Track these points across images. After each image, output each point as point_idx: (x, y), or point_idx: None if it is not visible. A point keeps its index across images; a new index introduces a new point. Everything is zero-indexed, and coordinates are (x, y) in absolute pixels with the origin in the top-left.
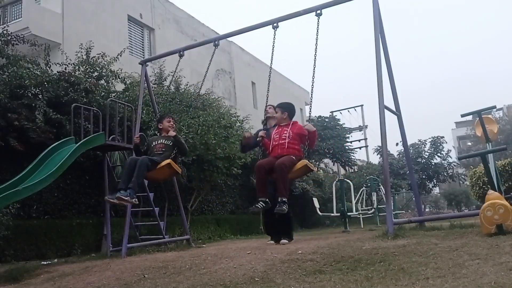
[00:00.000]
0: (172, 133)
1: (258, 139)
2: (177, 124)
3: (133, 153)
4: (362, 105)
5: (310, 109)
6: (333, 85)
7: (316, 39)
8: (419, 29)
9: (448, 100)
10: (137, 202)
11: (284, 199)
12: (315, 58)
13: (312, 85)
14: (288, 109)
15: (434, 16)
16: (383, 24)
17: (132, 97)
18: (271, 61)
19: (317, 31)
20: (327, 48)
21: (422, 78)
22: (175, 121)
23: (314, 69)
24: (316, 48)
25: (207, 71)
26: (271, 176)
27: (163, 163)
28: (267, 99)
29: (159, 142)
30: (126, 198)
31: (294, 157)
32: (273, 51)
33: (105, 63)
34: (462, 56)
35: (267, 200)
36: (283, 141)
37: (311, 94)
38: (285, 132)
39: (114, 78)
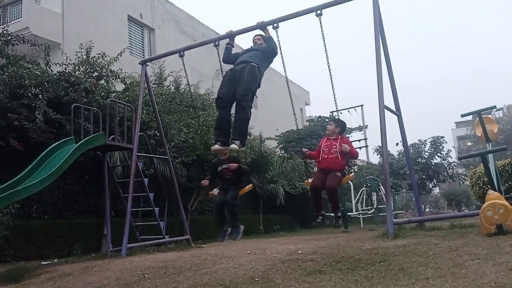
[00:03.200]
0: (233, 166)
1: (304, 155)
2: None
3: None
4: (362, 105)
5: (339, 114)
6: (334, 85)
7: (323, 39)
8: (418, 24)
9: (448, 97)
10: (244, 228)
11: (339, 214)
12: (327, 57)
13: (333, 88)
14: (341, 125)
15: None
16: (383, 24)
17: (132, 97)
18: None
19: (322, 31)
20: (327, 47)
21: (420, 73)
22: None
23: (328, 66)
24: (325, 47)
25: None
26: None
27: (247, 189)
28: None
29: (223, 167)
30: (239, 237)
31: (339, 174)
32: (280, 51)
33: (105, 63)
34: (462, 52)
35: (323, 213)
36: (332, 156)
37: (333, 90)
38: (334, 146)
39: (114, 78)
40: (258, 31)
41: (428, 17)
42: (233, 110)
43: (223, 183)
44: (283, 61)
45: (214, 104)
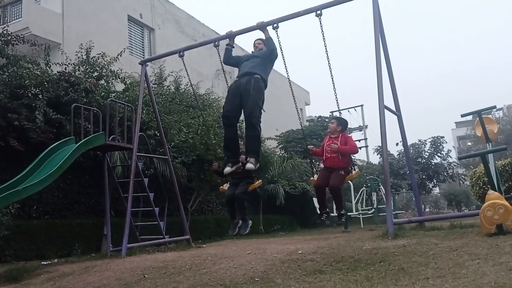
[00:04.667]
0: (251, 166)
1: (309, 152)
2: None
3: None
4: (362, 105)
5: (338, 106)
6: (334, 83)
7: (324, 40)
8: (417, 20)
9: (448, 97)
10: (251, 223)
11: (342, 212)
12: (327, 57)
13: (335, 90)
14: (343, 123)
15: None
16: (383, 24)
17: (132, 97)
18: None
19: (322, 32)
20: (327, 47)
21: (421, 71)
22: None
23: (329, 66)
24: (325, 47)
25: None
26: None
27: (256, 184)
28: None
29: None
30: (248, 230)
31: (343, 172)
32: (281, 51)
33: (105, 63)
34: (462, 51)
35: (328, 211)
36: (335, 155)
37: (334, 91)
38: (336, 145)
39: (114, 78)
40: (258, 32)
41: (426, 15)
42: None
43: (233, 177)
44: (284, 62)
45: (214, 104)
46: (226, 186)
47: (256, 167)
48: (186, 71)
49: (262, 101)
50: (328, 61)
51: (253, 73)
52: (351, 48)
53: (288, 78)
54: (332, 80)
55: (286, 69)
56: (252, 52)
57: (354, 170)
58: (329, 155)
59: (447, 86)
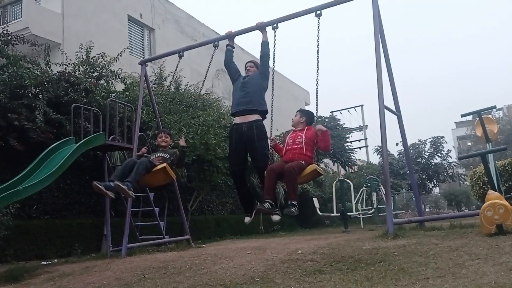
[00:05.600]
0: (182, 142)
1: (270, 144)
2: (174, 137)
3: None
4: (362, 105)
5: (317, 107)
6: (333, 84)
7: (318, 40)
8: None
9: (448, 97)
10: (134, 197)
11: (293, 202)
12: (317, 59)
13: (317, 87)
14: (307, 115)
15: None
16: (383, 24)
17: (132, 97)
18: (274, 62)
19: (318, 32)
20: (327, 47)
21: (420, 71)
22: (168, 135)
23: (317, 70)
24: (318, 49)
25: (207, 73)
26: (280, 180)
27: (160, 166)
28: (272, 102)
29: (156, 155)
30: (123, 187)
31: (303, 162)
32: (274, 52)
33: (105, 63)
34: (462, 51)
35: (272, 202)
36: (296, 146)
37: (317, 93)
38: (299, 137)
39: (114, 78)
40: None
41: (427, 14)
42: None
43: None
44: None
45: (214, 105)
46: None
47: (279, 217)
48: (178, 70)
49: (268, 146)
50: (317, 59)
51: (252, 121)
52: (351, 47)
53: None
54: (317, 78)
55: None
56: (245, 77)
57: (322, 169)
58: (289, 147)
59: (447, 86)
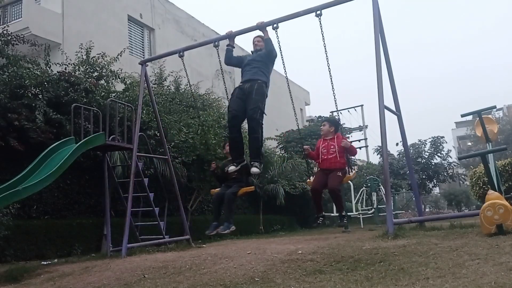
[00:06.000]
0: (255, 171)
1: (304, 152)
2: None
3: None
4: (362, 105)
5: (339, 114)
6: (334, 85)
7: (323, 39)
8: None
9: (448, 96)
10: (235, 229)
11: (342, 214)
12: (327, 58)
13: (333, 90)
14: (334, 124)
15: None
16: (383, 24)
17: (132, 97)
18: (284, 63)
19: (322, 32)
20: (327, 46)
21: (420, 70)
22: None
23: (329, 69)
24: (325, 48)
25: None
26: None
27: (249, 190)
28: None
29: (230, 167)
30: (227, 232)
31: (340, 173)
32: (280, 52)
33: (105, 63)
34: (462, 50)
35: (323, 214)
36: (331, 156)
37: (333, 91)
38: (332, 146)
39: (114, 78)
40: (258, 32)
41: (426, 14)
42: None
43: (228, 180)
44: (283, 62)
45: (214, 105)
46: (216, 191)
47: (260, 170)
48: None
49: (263, 105)
50: (328, 61)
51: (256, 79)
52: (351, 46)
53: (287, 79)
54: (331, 80)
55: (285, 69)
56: (252, 52)
57: (352, 171)
58: (325, 157)
59: (447, 86)
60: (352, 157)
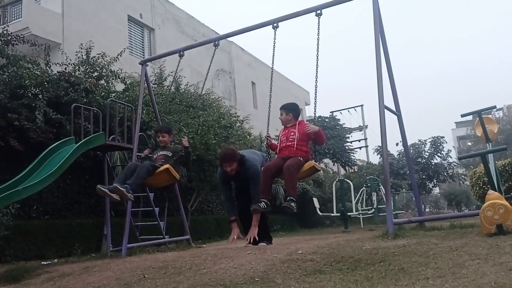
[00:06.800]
0: (185, 143)
1: (266, 142)
2: (171, 136)
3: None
4: (362, 105)
5: (315, 109)
6: (333, 85)
7: (318, 39)
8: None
9: (448, 96)
10: (133, 199)
11: (292, 197)
12: (317, 59)
13: (316, 85)
14: (291, 109)
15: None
16: (383, 24)
17: (132, 97)
18: (274, 61)
19: (318, 32)
20: (326, 45)
21: (420, 70)
22: (166, 133)
23: (317, 69)
24: (317, 48)
25: (208, 72)
26: (278, 177)
27: (162, 168)
28: (269, 106)
29: (159, 154)
30: (122, 189)
31: (301, 159)
32: (274, 51)
33: (105, 63)
34: (462, 49)
35: (268, 202)
36: (290, 143)
37: (315, 94)
38: (292, 133)
39: (114, 78)
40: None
41: (427, 13)
42: None
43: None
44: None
45: (215, 105)
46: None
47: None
48: (178, 70)
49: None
50: (317, 61)
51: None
52: (351, 45)
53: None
54: (316, 77)
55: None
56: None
57: (319, 162)
58: (283, 145)
59: (447, 86)
60: (353, 154)
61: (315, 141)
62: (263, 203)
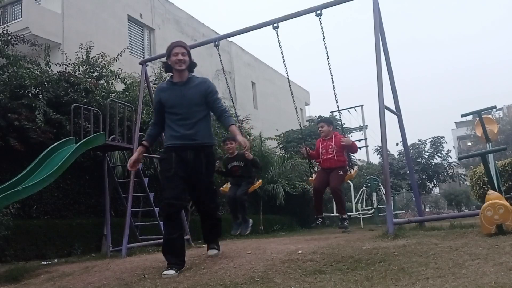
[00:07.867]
0: (249, 155)
1: (303, 156)
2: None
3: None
4: (362, 105)
5: (337, 105)
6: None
7: (324, 39)
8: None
9: (448, 95)
10: (252, 222)
11: (345, 217)
12: (327, 58)
13: (333, 82)
14: (331, 122)
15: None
16: (383, 24)
17: (132, 97)
18: (285, 62)
19: (322, 32)
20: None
21: (420, 70)
22: (233, 142)
23: (330, 68)
24: (326, 48)
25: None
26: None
27: (256, 186)
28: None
29: (233, 165)
30: (249, 230)
31: (341, 172)
32: (281, 51)
33: (105, 63)
34: (462, 48)
35: (323, 216)
36: (330, 156)
37: (334, 90)
38: (330, 146)
39: (114, 78)
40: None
41: (427, 12)
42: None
43: (233, 179)
44: (284, 63)
45: None
46: (227, 187)
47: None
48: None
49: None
50: (328, 61)
51: None
52: (350, 45)
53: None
54: (332, 80)
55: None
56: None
57: (353, 169)
58: (324, 157)
59: (447, 86)
60: (353, 154)
61: (349, 150)
62: (319, 219)
